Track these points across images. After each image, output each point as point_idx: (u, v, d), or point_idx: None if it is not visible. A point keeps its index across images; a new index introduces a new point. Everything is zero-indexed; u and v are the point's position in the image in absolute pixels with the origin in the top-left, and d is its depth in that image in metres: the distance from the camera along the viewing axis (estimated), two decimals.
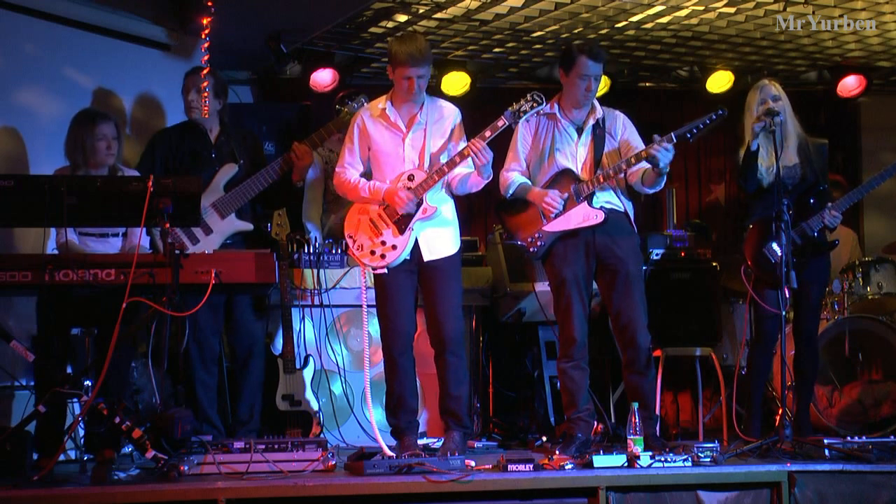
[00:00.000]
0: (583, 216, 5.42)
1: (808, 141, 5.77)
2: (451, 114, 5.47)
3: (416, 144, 5.39)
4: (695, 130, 5.32)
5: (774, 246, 5.58)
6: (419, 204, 5.29)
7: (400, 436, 5.42)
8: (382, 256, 5.32)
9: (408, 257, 5.34)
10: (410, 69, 5.26)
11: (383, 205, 5.36)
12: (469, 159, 5.22)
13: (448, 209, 5.46)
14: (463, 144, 5.32)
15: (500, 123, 5.23)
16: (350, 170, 5.49)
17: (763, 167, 5.65)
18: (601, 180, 5.39)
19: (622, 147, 5.54)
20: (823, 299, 6.12)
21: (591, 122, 5.52)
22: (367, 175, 5.50)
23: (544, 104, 5.27)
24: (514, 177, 5.58)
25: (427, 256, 5.35)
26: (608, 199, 5.47)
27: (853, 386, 6.44)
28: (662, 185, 5.49)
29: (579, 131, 5.53)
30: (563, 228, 5.45)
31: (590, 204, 5.42)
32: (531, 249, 5.53)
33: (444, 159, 5.34)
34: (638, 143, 5.54)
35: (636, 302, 5.43)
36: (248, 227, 5.77)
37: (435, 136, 5.40)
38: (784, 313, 5.33)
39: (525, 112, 5.23)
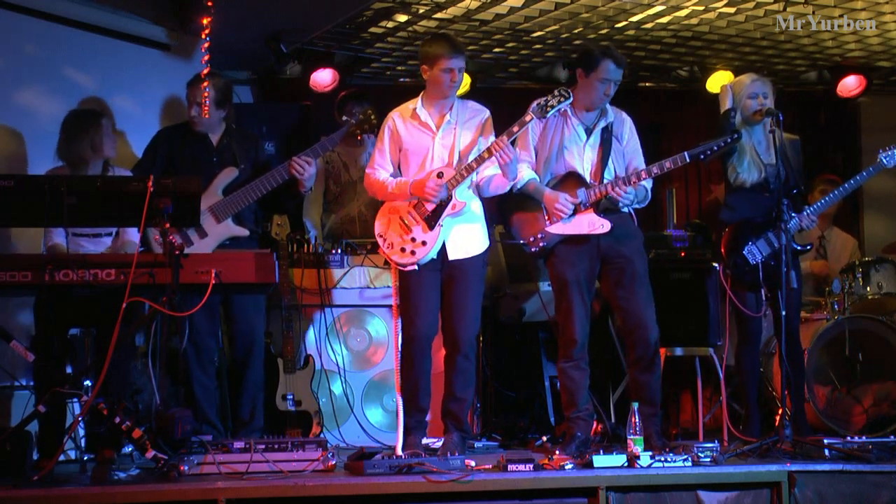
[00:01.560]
0: (588, 224, 5.43)
1: (784, 138, 5.76)
2: (481, 113, 5.49)
3: (447, 143, 5.41)
4: (709, 152, 5.38)
5: (754, 248, 5.60)
6: (449, 198, 5.31)
7: (406, 434, 5.43)
8: (412, 253, 5.32)
9: (435, 256, 5.35)
10: (452, 60, 5.32)
11: (413, 201, 5.37)
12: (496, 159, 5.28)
13: (477, 206, 5.48)
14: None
15: (527, 119, 5.26)
16: (380, 170, 5.52)
17: (744, 166, 5.65)
18: (609, 190, 5.39)
19: (625, 153, 5.56)
20: (802, 299, 6.13)
21: (602, 124, 5.53)
22: (396, 177, 5.52)
23: (570, 98, 5.27)
24: (524, 171, 5.57)
25: (452, 255, 5.36)
26: (612, 204, 5.48)
27: (853, 386, 6.43)
28: (641, 203, 5.56)
29: (588, 132, 5.54)
30: (568, 233, 5.46)
31: (597, 212, 5.43)
32: (532, 249, 5.54)
33: (474, 156, 5.36)
34: (636, 152, 5.58)
35: (644, 299, 5.45)
36: (244, 232, 5.74)
37: (465, 136, 5.42)
38: (784, 313, 5.33)
39: (552, 107, 5.23)
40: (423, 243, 5.32)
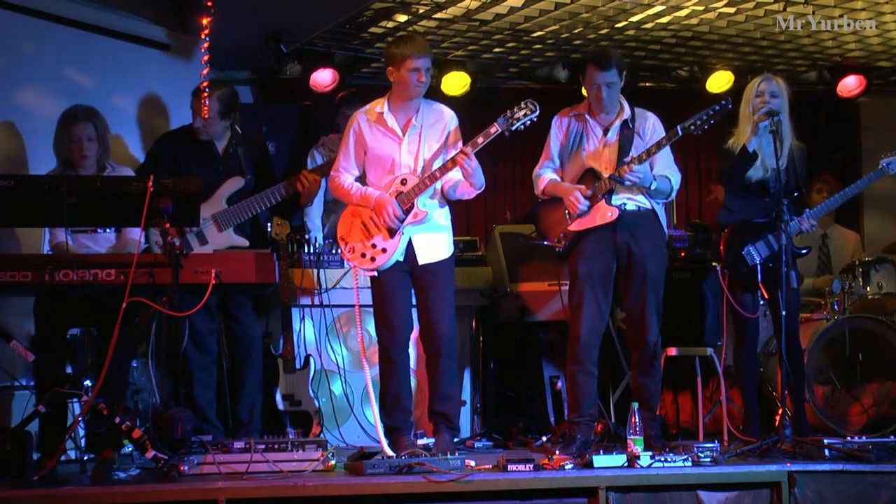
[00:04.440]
0: (600, 215, 5.46)
1: (795, 144, 5.78)
2: (448, 117, 5.45)
3: (412, 149, 5.38)
4: (699, 122, 5.35)
5: (753, 249, 5.61)
6: (410, 209, 5.29)
7: (395, 436, 5.41)
8: (372, 259, 5.32)
9: (401, 259, 5.34)
10: (419, 59, 5.26)
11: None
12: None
13: (441, 215, 5.45)
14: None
15: (492, 130, 5.25)
16: (344, 174, 5.46)
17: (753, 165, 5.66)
18: (621, 175, 5.38)
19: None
20: (800, 300, 6.13)
21: (618, 122, 5.54)
22: (362, 178, 5.50)
23: (538, 111, 5.25)
24: (544, 174, 5.64)
25: (421, 260, 5.36)
26: (632, 196, 5.49)
27: (853, 386, 6.43)
28: (665, 197, 5.56)
29: (606, 131, 5.55)
30: (584, 227, 5.50)
31: (607, 201, 5.44)
32: (557, 249, 5.60)
33: (438, 164, 5.33)
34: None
35: (650, 303, 5.47)
36: (245, 243, 5.77)
37: (430, 140, 5.39)
38: (784, 313, 5.33)
39: (518, 120, 5.22)
40: (384, 250, 5.31)
